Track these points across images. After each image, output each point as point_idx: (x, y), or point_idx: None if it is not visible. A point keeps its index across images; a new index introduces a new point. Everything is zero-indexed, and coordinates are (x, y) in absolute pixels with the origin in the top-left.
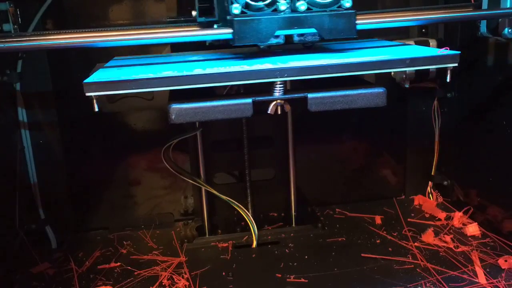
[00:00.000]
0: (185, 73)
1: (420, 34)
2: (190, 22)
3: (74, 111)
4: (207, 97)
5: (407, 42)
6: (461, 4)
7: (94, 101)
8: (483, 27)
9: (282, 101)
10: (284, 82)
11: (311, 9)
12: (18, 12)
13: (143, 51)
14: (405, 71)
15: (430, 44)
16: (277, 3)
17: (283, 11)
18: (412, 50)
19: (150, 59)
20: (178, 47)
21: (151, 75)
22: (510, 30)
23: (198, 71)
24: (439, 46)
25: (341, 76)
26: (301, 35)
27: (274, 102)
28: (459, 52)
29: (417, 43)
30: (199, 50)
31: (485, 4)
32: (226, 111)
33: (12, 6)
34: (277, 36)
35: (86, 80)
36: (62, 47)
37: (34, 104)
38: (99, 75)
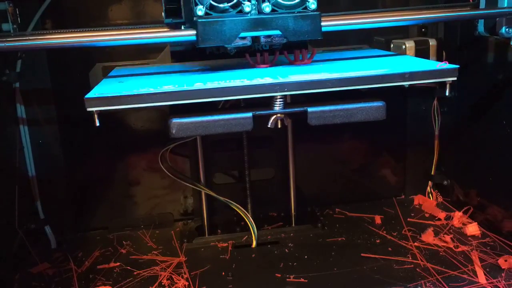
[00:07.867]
0: (185, 87)
1: (420, 33)
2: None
3: (73, 111)
4: (207, 111)
5: (406, 42)
6: (459, 3)
7: (96, 116)
8: (480, 26)
9: (282, 115)
10: (284, 96)
11: (276, 11)
12: (17, 12)
13: (140, 52)
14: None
15: (430, 43)
16: (242, 5)
17: (248, 12)
18: (410, 62)
19: (151, 69)
20: (179, 55)
21: (152, 90)
22: (507, 29)
23: (198, 85)
24: (439, 45)
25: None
26: (268, 37)
27: (274, 116)
28: (458, 66)
29: (416, 42)
30: (199, 60)
31: (482, 4)
32: (227, 125)
33: (11, 6)
34: (243, 38)
35: (87, 96)
36: (61, 46)
37: (33, 104)
38: (100, 90)
